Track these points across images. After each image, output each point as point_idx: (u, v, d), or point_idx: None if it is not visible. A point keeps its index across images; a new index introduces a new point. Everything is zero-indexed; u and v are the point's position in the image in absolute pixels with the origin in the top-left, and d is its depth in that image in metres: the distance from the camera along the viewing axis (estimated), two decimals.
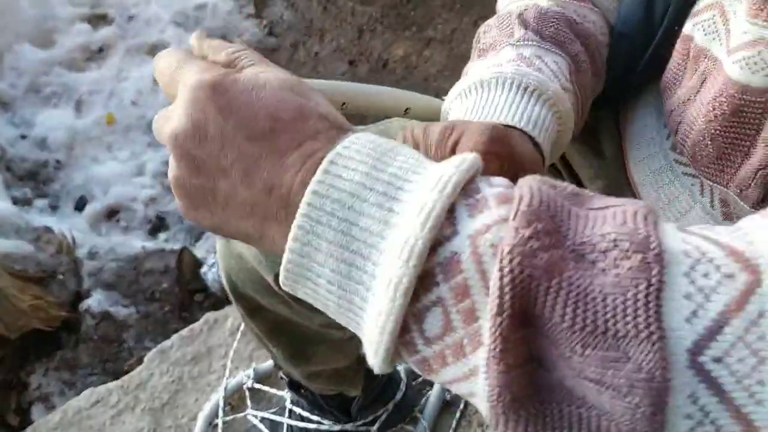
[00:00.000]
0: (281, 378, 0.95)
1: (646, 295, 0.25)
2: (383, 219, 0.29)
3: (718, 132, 0.50)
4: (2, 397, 1.36)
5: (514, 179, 0.41)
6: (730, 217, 0.53)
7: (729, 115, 0.48)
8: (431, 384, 1.15)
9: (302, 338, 0.75)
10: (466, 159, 0.30)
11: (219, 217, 0.34)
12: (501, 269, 0.26)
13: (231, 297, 0.72)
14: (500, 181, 0.31)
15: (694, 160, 0.53)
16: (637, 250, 0.26)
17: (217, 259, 1.58)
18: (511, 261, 0.26)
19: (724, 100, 0.48)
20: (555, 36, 0.56)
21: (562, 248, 0.27)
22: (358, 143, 0.31)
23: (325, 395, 0.96)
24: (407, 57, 1.94)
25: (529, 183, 0.29)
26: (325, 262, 0.30)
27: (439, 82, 1.86)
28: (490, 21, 0.60)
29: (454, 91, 0.54)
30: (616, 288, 0.25)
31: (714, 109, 0.49)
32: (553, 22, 0.57)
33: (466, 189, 0.30)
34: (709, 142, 0.51)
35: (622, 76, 0.61)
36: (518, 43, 0.54)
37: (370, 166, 0.30)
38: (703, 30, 0.53)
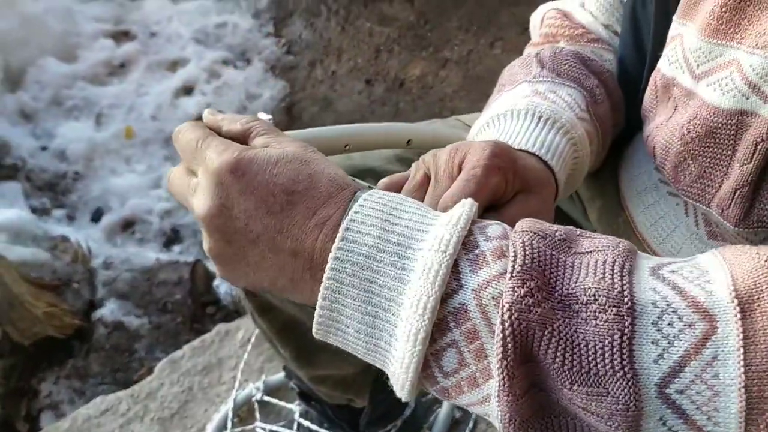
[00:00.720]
0: (291, 388, 0.95)
1: (620, 343, 0.31)
2: (398, 277, 0.34)
3: (697, 152, 0.51)
4: (12, 404, 1.37)
5: (521, 192, 0.46)
6: (715, 236, 0.54)
7: (704, 137, 0.49)
8: (440, 402, 1.14)
9: (310, 341, 0.75)
10: (461, 216, 0.35)
11: (252, 278, 0.39)
12: (503, 323, 0.32)
13: (242, 295, 0.73)
14: (495, 231, 0.36)
15: (676, 181, 0.54)
16: (613, 305, 0.31)
17: None
18: (510, 316, 0.31)
19: (698, 122, 0.49)
20: (569, 72, 0.59)
21: (552, 300, 0.32)
22: (367, 206, 0.36)
23: (333, 407, 0.96)
24: (423, 77, 1.96)
25: (521, 238, 0.34)
26: (351, 315, 0.35)
27: (455, 102, 1.87)
28: (515, 61, 0.63)
29: (475, 127, 0.57)
30: (596, 336, 0.31)
31: (689, 132, 0.50)
32: (567, 59, 0.59)
33: (466, 243, 0.35)
34: (691, 162, 0.52)
35: (627, 111, 0.63)
36: (534, 80, 0.57)
37: (380, 228, 0.35)
38: (668, 60, 0.54)
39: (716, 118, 0.48)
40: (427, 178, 0.46)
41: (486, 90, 1.87)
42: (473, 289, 0.33)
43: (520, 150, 0.49)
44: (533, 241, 0.34)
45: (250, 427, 1.16)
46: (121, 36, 2.29)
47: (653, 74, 0.57)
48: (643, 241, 0.60)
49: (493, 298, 0.33)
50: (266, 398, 1.18)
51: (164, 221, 1.82)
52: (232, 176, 0.37)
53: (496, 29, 2.02)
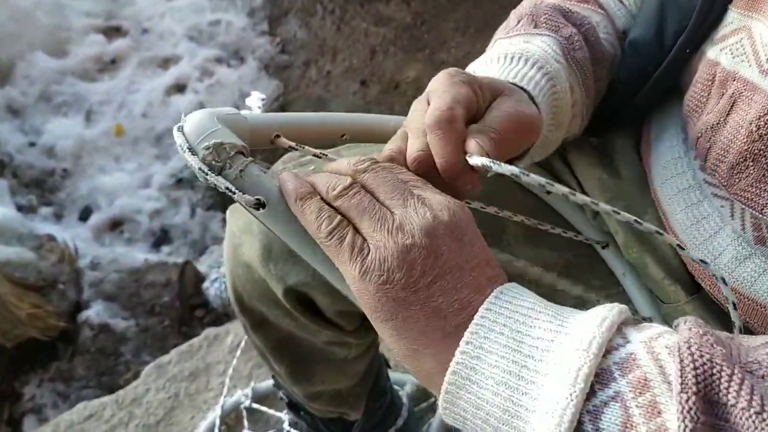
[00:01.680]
0: (281, 398, 0.92)
1: None
2: (554, 330, 0.33)
3: (761, 152, 0.49)
4: None
5: (496, 98, 0.48)
6: (763, 241, 0.51)
7: None
8: (434, 411, 1.12)
9: (306, 355, 0.73)
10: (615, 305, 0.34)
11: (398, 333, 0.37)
12: (681, 359, 0.28)
13: (236, 309, 0.70)
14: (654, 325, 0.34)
15: (730, 184, 0.52)
16: None
17: (220, 273, 1.57)
18: (689, 347, 0.28)
19: None
20: (546, 22, 0.59)
21: (732, 360, 0.28)
22: (515, 288, 0.37)
23: (326, 425, 0.94)
24: (419, 79, 1.94)
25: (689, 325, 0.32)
26: (496, 363, 0.33)
27: None
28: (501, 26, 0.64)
29: None
30: None
31: (759, 128, 0.48)
32: (546, 11, 0.60)
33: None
34: (751, 164, 0.50)
35: (632, 95, 0.61)
36: (508, 35, 0.58)
37: (531, 301, 0.35)
38: (731, 54, 0.53)
39: None
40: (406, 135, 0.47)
41: None
42: (642, 341, 0.31)
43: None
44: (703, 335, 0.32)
45: None
46: (113, 32, 2.25)
47: (707, 68, 0.55)
48: (680, 241, 0.57)
49: (666, 347, 0.30)
50: (255, 406, 1.15)
51: (153, 221, 1.78)
52: (451, 234, 0.37)
53: (493, 32, 2.00)
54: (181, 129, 0.42)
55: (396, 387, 1.11)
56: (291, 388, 0.78)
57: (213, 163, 0.40)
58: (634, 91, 0.61)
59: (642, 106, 0.62)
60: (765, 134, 0.48)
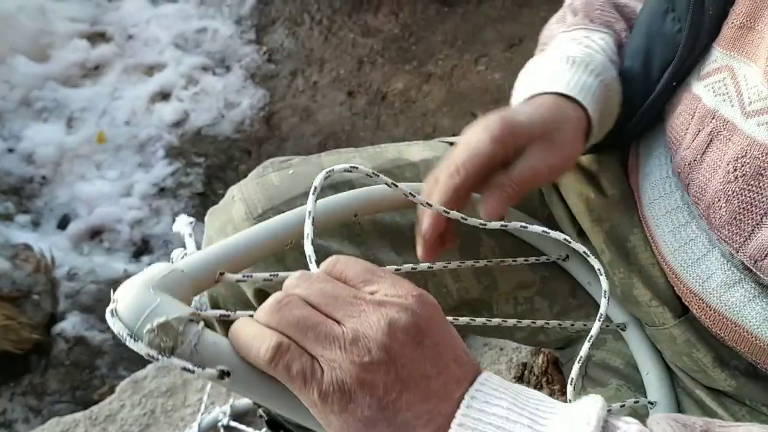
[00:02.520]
0: (260, 416, 0.90)
1: None
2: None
3: (735, 194, 0.49)
4: None
5: (530, 146, 0.51)
6: (750, 269, 0.50)
7: (749, 177, 0.48)
8: None
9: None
10: (598, 400, 0.34)
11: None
12: None
13: (217, 327, 0.68)
14: (629, 419, 0.34)
15: (709, 221, 0.52)
16: None
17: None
18: None
19: (748, 161, 0.48)
20: (601, 17, 0.63)
21: None
22: (493, 382, 0.35)
23: None
24: (406, 91, 1.93)
25: (665, 424, 0.33)
26: None
27: (437, 118, 1.84)
28: (551, 19, 0.68)
29: (518, 81, 0.61)
30: None
31: (735, 170, 0.49)
32: (599, 5, 0.63)
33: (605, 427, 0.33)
34: (724, 204, 0.50)
35: (622, 123, 0.61)
36: (568, 29, 0.62)
37: (509, 402, 0.34)
38: (713, 92, 0.53)
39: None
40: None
41: (469, 107, 1.85)
42: None
43: (542, 93, 0.54)
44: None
45: None
46: (97, 37, 2.22)
47: (690, 102, 0.55)
48: (667, 265, 0.56)
49: None
50: (233, 423, 1.12)
51: (134, 230, 1.75)
52: (412, 340, 0.34)
53: (481, 45, 2.00)
54: (115, 312, 0.36)
55: None
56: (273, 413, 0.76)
57: (162, 345, 0.35)
58: (623, 120, 0.61)
59: (629, 132, 0.62)
60: (740, 176, 0.48)
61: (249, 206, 0.59)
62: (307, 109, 1.97)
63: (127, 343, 0.35)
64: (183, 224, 0.51)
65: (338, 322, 0.34)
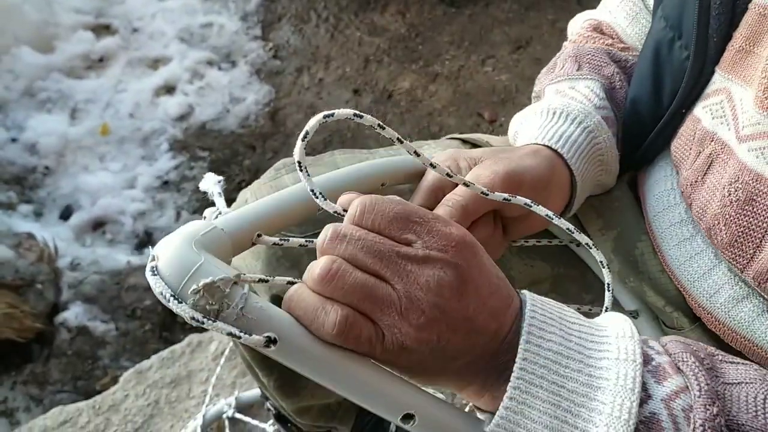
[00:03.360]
0: (267, 409, 0.89)
1: None
2: (588, 384, 0.35)
3: (732, 218, 0.49)
4: None
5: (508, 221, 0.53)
6: (759, 284, 0.50)
7: (743, 203, 0.48)
8: None
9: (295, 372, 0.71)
10: (632, 328, 0.37)
11: (431, 371, 0.38)
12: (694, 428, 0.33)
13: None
14: (656, 345, 0.38)
15: (712, 241, 0.52)
16: None
17: None
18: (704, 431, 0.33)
19: (740, 186, 0.48)
20: (590, 62, 0.62)
21: (729, 417, 0.34)
22: (538, 312, 0.37)
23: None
24: (412, 90, 1.93)
25: (691, 358, 0.36)
26: (538, 418, 0.35)
27: (443, 118, 1.84)
28: (543, 69, 0.68)
29: (509, 131, 0.63)
30: None
31: (730, 194, 0.49)
32: (589, 52, 0.63)
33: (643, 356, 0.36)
34: (723, 227, 0.50)
35: (630, 152, 0.62)
36: (555, 80, 0.62)
37: (559, 336, 0.36)
38: (711, 114, 0.53)
39: (758, 186, 0.47)
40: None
41: (475, 107, 1.85)
42: (662, 399, 0.34)
43: (540, 144, 0.54)
44: (700, 363, 0.36)
45: None
46: (102, 29, 2.22)
47: (691, 123, 0.56)
48: (675, 278, 0.56)
49: (682, 410, 0.34)
50: (238, 416, 1.12)
51: (137, 223, 1.74)
52: (457, 292, 0.36)
53: (488, 47, 2.00)
54: (156, 270, 0.34)
55: None
56: (279, 402, 0.75)
57: (207, 307, 0.33)
58: (635, 145, 0.61)
59: (639, 157, 0.63)
60: (735, 200, 0.48)
61: None
62: (312, 106, 1.97)
63: (170, 305, 0.33)
64: (211, 183, 0.50)
65: (388, 282, 0.35)
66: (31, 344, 1.38)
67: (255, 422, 1.10)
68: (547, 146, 0.54)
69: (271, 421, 1.09)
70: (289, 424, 0.91)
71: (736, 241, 0.49)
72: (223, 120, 1.96)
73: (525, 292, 0.39)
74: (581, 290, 0.66)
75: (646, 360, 0.36)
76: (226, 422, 1.11)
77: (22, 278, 1.42)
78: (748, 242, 0.48)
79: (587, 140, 0.55)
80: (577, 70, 0.61)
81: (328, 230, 0.37)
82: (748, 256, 0.48)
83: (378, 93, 1.95)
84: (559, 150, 0.53)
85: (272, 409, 0.88)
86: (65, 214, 1.77)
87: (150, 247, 1.77)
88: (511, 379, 0.35)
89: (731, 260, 0.50)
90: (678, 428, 0.34)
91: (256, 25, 2.23)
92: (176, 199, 1.80)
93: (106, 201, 1.77)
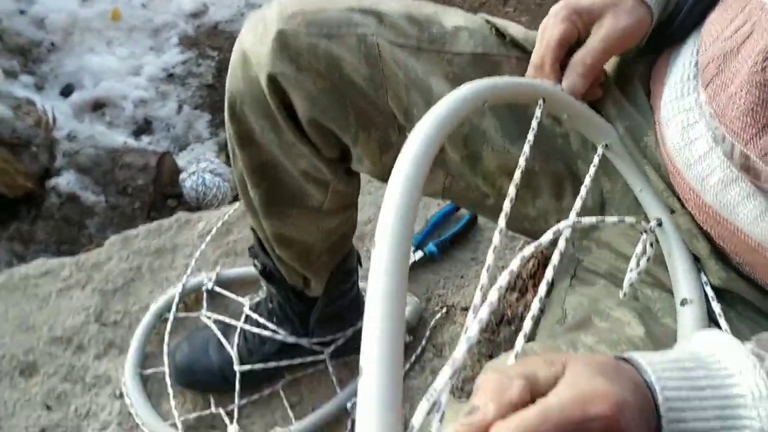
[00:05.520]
0: (254, 266, 0.92)
1: None
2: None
3: (758, 84, 0.49)
4: None
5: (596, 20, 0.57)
6: (747, 169, 0.52)
7: None
8: None
9: (282, 191, 0.74)
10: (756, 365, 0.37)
11: None
12: None
13: (227, 117, 0.70)
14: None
15: (723, 114, 0.53)
16: None
17: (199, 168, 1.54)
18: None
19: None
20: None
21: None
22: (669, 387, 0.37)
23: (288, 294, 0.94)
24: None
25: None
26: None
27: None
28: None
29: None
30: None
31: (764, 59, 0.48)
32: None
33: None
34: (744, 95, 0.50)
35: (661, 27, 0.62)
36: None
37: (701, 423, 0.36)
38: None
39: None
40: None
41: None
42: None
43: None
44: None
45: (194, 314, 1.12)
46: None
47: None
48: (671, 163, 0.57)
49: None
50: (217, 289, 1.14)
51: (138, 109, 1.74)
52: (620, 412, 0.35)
53: None
54: None
55: (364, 291, 1.12)
56: (263, 222, 0.78)
57: None
58: (665, 26, 0.61)
59: (672, 34, 0.62)
60: (767, 67, 0.48)
61: (282, 7, 0.63)
62: None
63: None
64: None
65: None
66: (20, 204, 1.39)
67: (233, 296, 1.12)
68: None
69: (249, 296, 1.11)
70: (274, 281, 0.93)
71: (752, 109, 0.49)
72: (237, 23, 1.94)
73: (647, 370, 0.38)
74: (553, 197, 0.66)
75: None
76: (205, 294, 1.13)
77: (19, 138, 1.42)
78: (763, 113, 0.49)
79: None
80: None
81: (492, 402, 0.35)
82: (761, 125, 0.49)
83: None
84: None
85: (258, 265, 0.90)
86: (66, 91, 1.76)
87: (148, 134, 1.76)
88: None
89: (739, 132, 0.51)
90: None
91: None
92: (180, 93, 1.79)
93: (108, 84, 1.76)
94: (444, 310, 1.15)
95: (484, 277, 0.41)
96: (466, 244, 1.22)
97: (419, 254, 1.19)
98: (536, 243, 0.44)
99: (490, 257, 0.42)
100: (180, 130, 1.72)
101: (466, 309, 1.15)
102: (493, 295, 0.38)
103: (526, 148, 0.51)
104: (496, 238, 0.43)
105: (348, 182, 0.74)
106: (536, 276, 0.95)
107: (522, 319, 0.95)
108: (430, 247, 1.20)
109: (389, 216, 0.38)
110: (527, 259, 0.42)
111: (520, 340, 0.44)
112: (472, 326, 0.37)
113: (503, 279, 0.39)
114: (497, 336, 1.01)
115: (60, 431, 1.03)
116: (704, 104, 0.55)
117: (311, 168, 0.70)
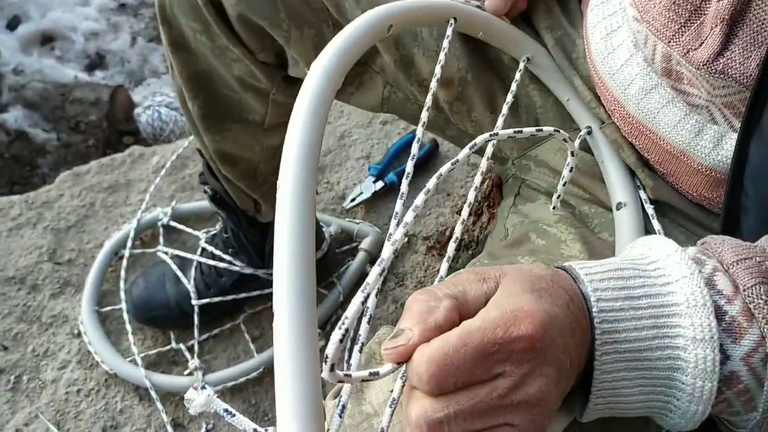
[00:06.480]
0: (205, 192, 0.89)
1: None
2: (670, 367, 0.36)
3: None
4: None
5: None
6: (669, 73, 0.51)
7: None
8: (353, 255, 1.12)
9: (220, 102, 0.72)
10: (704, 294, 0.36)
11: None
12: None
13: (159, 19, 0.68)
14: (725, 285, 0.37)
15: (645, 11, 0.51)
16: None
17: (155, 101, 1.48)
18: None
19: None
20: None
21: None
22: (601, 288, 0.37)
23: (241, 220, 0.92)
24: None
25: (759, 291, 0.36)
26: (630, 393, 0.37)
27: None
28: None
29: None
30: None
31: None
32: None
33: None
34: None
35: None
36: None
37: (633, 332, 0.36)
38: None
39: None
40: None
41: None
42: (741, 359, 0.36)
43: None
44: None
45: (151, 250, 1.10)
46: None
47: None
48: (596, 72, 0.56)
49: (761, 360, 0.36)
50: (173, 223, 1.11)
51: (89, 43, 1.66)
52: (548, 336, 0.34)
53: None
54: None
55: (321, 224, 1.10)
56: (203, 137, 0.76)
57: None
58: None
59: None
60: None
61: None
62: None
63: None
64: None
65: (508, 425, 0.33)
66: None
67: (189, 230, 1.10)
68: None
69: (204, 230, 1.09)
70: (226, 207, 0.91)
71: (674, 3, 0.48)
72: None
73: (584, 280, 0.37)
74: (487, 109, 0.63)
75: (719, 316, 0.36)
76: (161, 229, 1.11)
77: None
78: (687, 4, 0.47)
79: None
80: None
81: (421, 427, 0.32)
82: (682, 21, 0.48)
83: None
84: None
85: (209, 191, 0.88)
86: (12, 24, 1.67)
87: (101, 69, 1.69)
88: (592, 391, 0.36)
89: (660, 31, 0.49)
90: (757, 376, 0.36)
91: None
92: (132, 24, 1.71)
93: (56, 14, 1.68)
94: (405, 239, 1.14)
95: (398, 205, 0.41)
96: (427, 173, 1.20)
97: (380, 184, 1.17)
98: (453, 159, 0.42)
99: (404, 187, 0.42)
100: (135, 64, 1.65)
101: (427, 238, 1.14)
102: (409, 216, 0.37)
103: (442, 56, 0.49)
104: (409, 166, 0.43)
105: (288, 92, 0.71)
106: (490, 197, 0.93)
107: (478, 242, 0.94)
108: (391, 176, 1.17)
109: (292, 150, 0.40)
110: (443, 176, 0.40)
111: (444, 265, 0.42)
112: (384, 250, 0.36)
113: (419, 199, 0.39)
114: (456, 262, 1.00)
115: (18, 371, 1.02)
116: (628, 6, 0.54)
117: (246, 74, 0.68)
